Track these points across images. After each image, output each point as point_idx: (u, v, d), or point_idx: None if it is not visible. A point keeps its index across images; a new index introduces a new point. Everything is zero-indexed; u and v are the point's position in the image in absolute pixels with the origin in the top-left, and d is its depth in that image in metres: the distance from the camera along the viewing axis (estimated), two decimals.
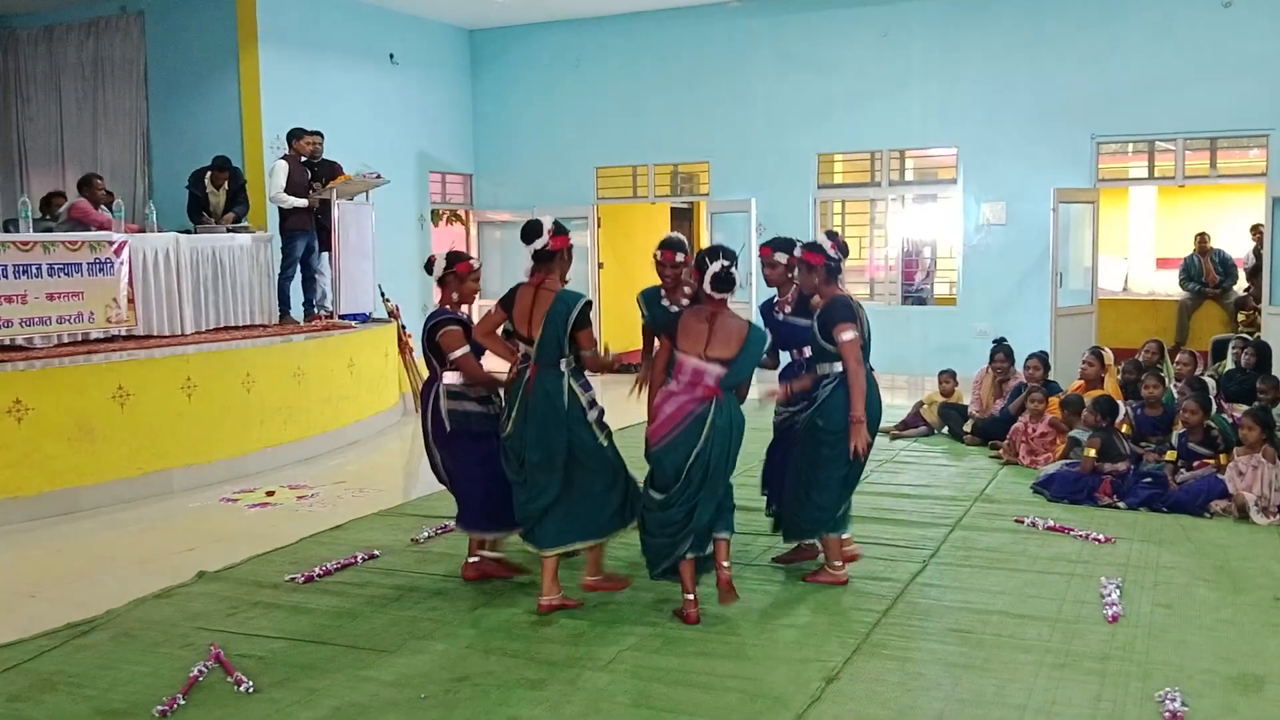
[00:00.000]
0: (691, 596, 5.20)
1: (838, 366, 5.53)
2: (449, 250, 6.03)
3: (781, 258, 5.87)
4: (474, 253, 15.72)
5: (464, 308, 6.17)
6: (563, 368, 5.20)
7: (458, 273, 5.77)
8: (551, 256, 5.25)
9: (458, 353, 5.56)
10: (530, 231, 5.25)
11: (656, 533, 5.17)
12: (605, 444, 5.31)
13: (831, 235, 5.72)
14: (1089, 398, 8.51)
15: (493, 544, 5.91)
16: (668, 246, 5.84)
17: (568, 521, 5.28)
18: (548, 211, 14.97)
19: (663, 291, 5.90)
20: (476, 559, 5.88)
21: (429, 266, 5.84)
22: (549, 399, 5.17)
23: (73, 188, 12.49)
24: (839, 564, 5.78)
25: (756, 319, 5.77)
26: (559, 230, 5.25)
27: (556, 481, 5.24)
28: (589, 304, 5.26)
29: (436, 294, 6.06)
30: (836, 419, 5.49)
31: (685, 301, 6.11)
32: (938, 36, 13.01)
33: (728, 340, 5.06)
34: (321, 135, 11.11)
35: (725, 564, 5.27)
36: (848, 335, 5.42)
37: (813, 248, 5.61)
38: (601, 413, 5.32)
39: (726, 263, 5.12)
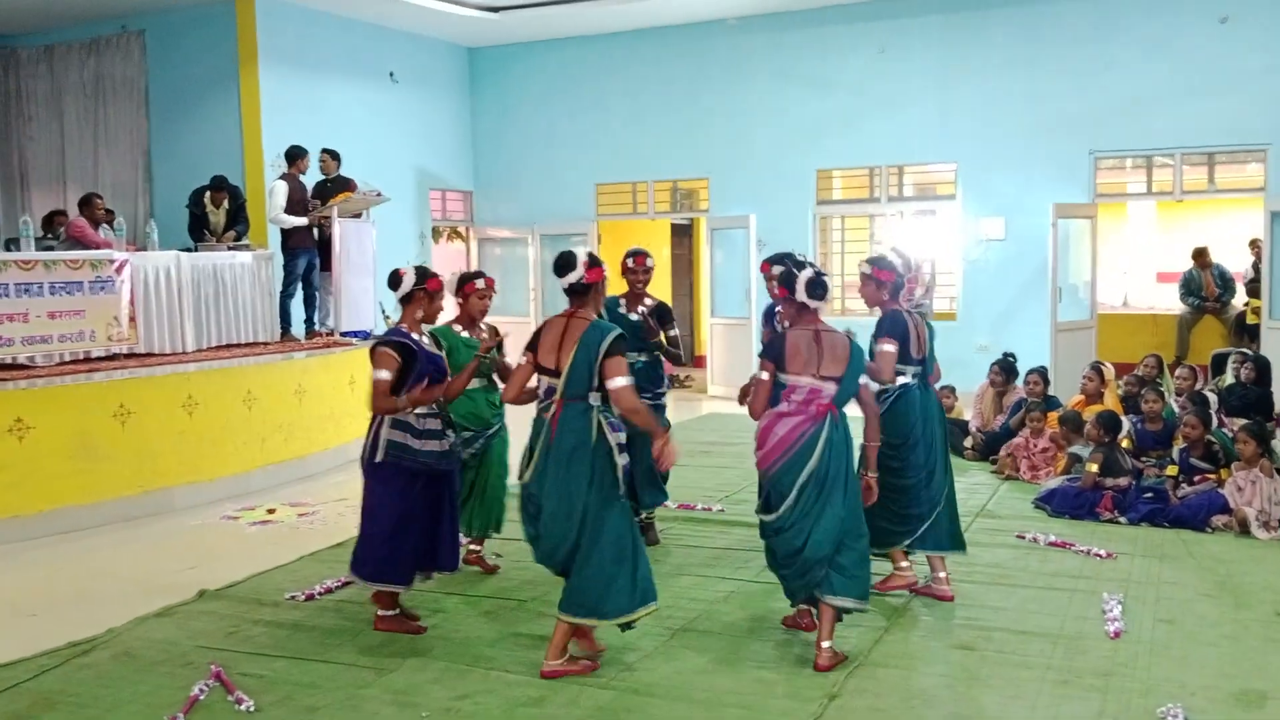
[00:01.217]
0: (826, 644, 4.87)
1: (900, 379, 5.64)
2: (417, 265, 5.69)
3: (778, 270, 5.86)
4: (474, 268, 15.74)
5: (456, 326, 6.23)
6: (591, 400, 4.72)
7: (428, 290, 5.48)
8: (587, 289, 4.87)
9: (378, 374, 5.22)
10: (564, 265, 4.88)
11: (785, 563, 4.98)
12: (623, 501, 4.81)
13: (897, 253, 6.13)
14: (1090, 413, 8.52)
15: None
16: (639, 253, 6.46)
17: (574, 593, 4.80)
18: (548, 228, 15.13)
19: (623, 300, 6.21)
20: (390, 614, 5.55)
21: (394, 282, 5.47)
22: (576, 435, 4.70)
23: (74, 206, 12.51)
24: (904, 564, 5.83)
25: (756, 327, 5.83)
26: (594, 263, 4.88)
27: (572, 538, 4.73)
28: (622, 336, 4.82)
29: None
30: (896, 430, 5.59)
31: (644, 310, 6.37)
32: (936, 53, 13.05)
33: (835, 358, 4.93)
34: (334, 154, 11.14)
35: (825, 644, 4.90)
36: (886, 348, 5.57)
37: (882, 264, 5.79)
38: (628, 464, 4.77)
39: (816, 268, 5.09)
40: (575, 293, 4.87)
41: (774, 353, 5.01)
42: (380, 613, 5.47)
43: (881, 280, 5.72)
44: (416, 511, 5.37)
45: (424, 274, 5.54)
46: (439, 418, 5.43)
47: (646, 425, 4.76)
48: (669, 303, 7.14)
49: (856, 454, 5.09)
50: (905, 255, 6.33)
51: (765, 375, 5.00)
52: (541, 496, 4.77)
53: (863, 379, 5.05)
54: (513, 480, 5.55)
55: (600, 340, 4.70)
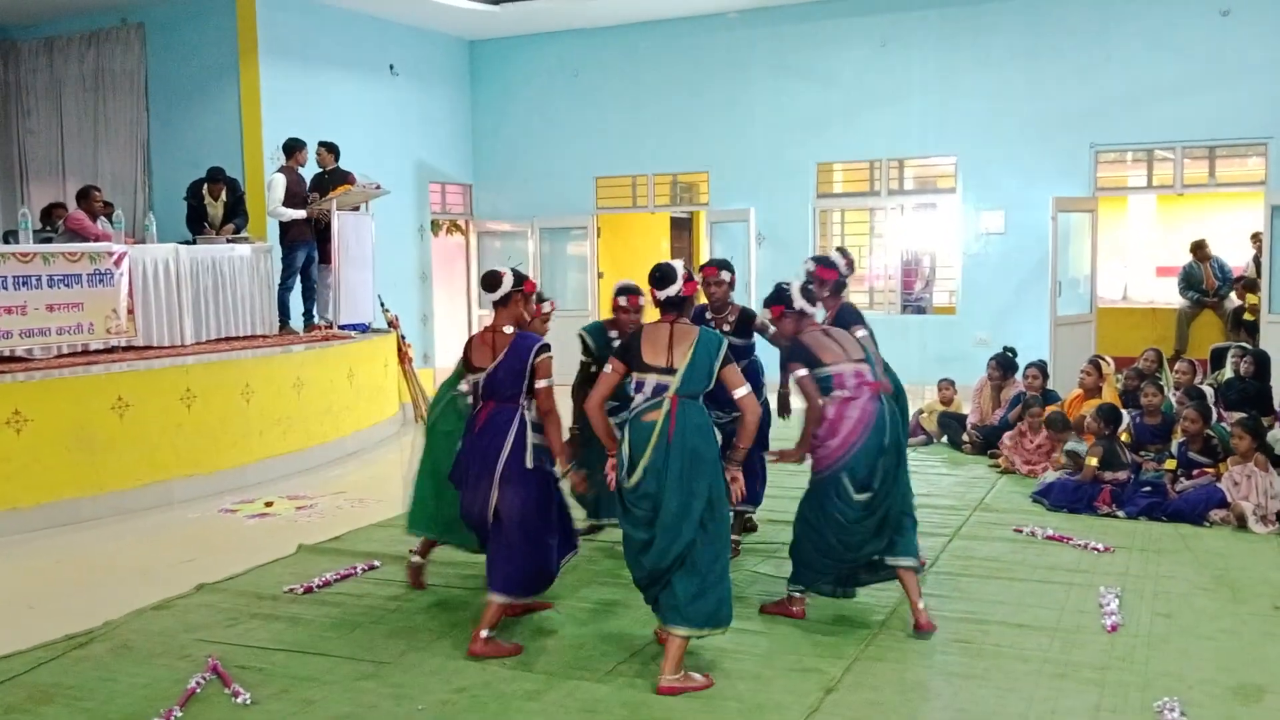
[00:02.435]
0: (922, 605, 5.19)
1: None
2: (513, 267, 5.40)
3: (726, 276, 6.38)
4: (473, 263, 15.75)
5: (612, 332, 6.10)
6: (702, 401, 4.74)
7: (525, 292, 5.26)
8: (684, 302, 4.86)
9: (543, 383, 5.02)
10: (663, 278, 4.85)
11: (862, 542, 5.18)
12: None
13: (843, 252, 6.19)
14: (1088, 407, 8.51)
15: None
16: (634, 291, 5.99)
17: (690, 603, 4.58)
18: (547, 221, 15.13)
19: (610, 330, 6.09)
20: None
21: (492, 284, 5.18)
22: (700, 432, 4.64)
23: (73, 199, 12.52)
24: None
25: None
26: (689, 277, 4.91)
27: (686, 540, 4.56)
28: (729, 344, 4.90)
29: (488, 315, 5.56)
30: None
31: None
32: (936, 46, 13.03)
33: (852, 345, 5.33)
34: (330, 146, 11.13)
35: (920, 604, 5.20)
36: (800, 373, 5.45)
37: (825, 262, 6.00)
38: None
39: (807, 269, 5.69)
40: (673, 305, 4.84)
41: (804, 355, 5.23)
42: (485, 634, 5.01)
43: (824, 279, 5.96)
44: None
45: (520, 276, 5.30)
46: None
47: (751, 436, 4.78)
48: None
49: None
50: (850, 256, 6.36)
51: (804, 372, 5.20)
52: (661, 496, 4.57)
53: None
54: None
55: (719, 344, 4.74)
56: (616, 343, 5.98)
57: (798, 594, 5.42)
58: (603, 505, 6.43)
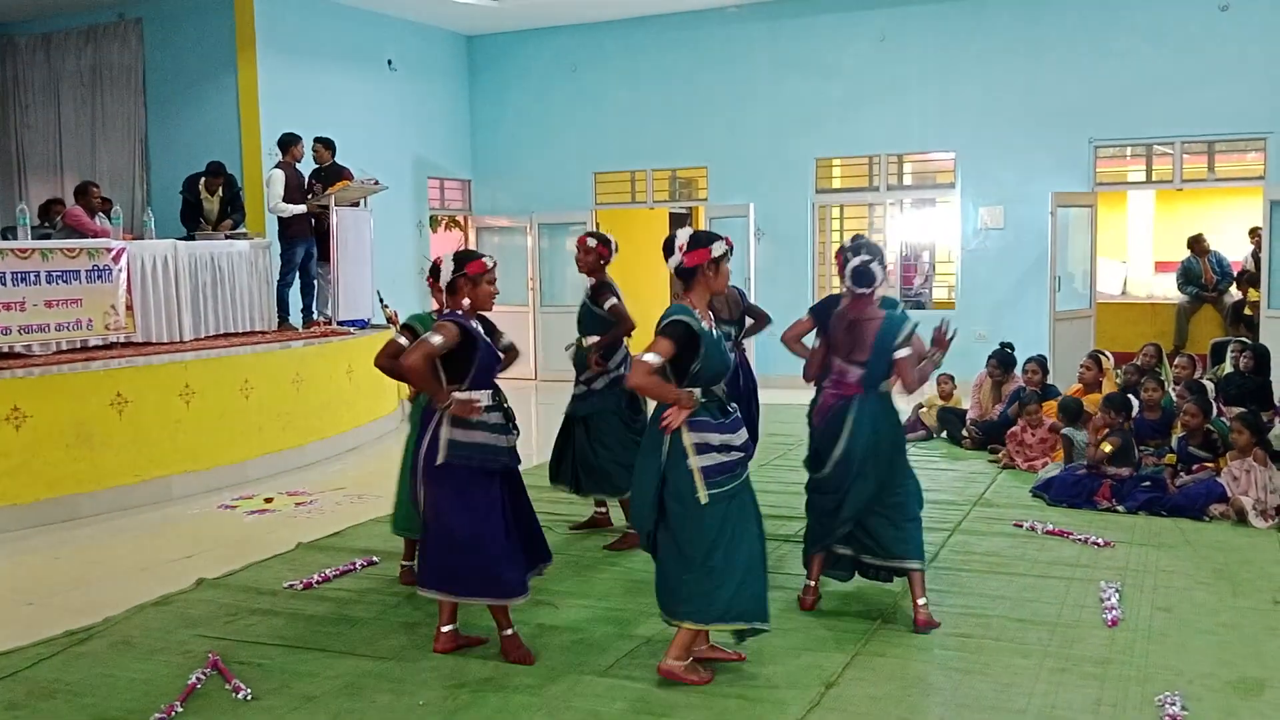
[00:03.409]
0: (923, 603, 5.26)
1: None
2: (455, 251, 5.16)
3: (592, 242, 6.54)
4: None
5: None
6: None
7: (469, 274, 4.92)
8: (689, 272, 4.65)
9: (431, 338, 4.67)
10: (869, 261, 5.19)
11: (826, 511, 5.41)
12: None
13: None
14: (1089, 402, 8.51)
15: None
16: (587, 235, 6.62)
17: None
18: (546, 217, 15.12)
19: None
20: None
21: (435, 271, 5.13)
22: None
23: (71, 195, 12.50)
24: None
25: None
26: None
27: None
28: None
29: (436, 301, 5.45)
30: None
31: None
32: (935, 41, 13.02)
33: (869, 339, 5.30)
34: (327, 142, 11.13)
35: (921, 601, 5.27)
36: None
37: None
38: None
39: (868, 257, 5.22)
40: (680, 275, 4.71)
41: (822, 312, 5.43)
42: (443, 629, 5.00)
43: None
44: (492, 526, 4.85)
45: (464, 258, 5.02)
46: (500, 411, 4.90)
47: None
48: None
49: None
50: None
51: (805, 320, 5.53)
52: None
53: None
54: None
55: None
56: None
57: (810, 583, 5.54)
58: (584, 480, 6.59)
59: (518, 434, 4.97)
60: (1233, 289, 13.00)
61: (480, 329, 4.88)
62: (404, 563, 6.09)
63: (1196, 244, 13.13)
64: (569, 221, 15.01)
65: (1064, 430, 8.18)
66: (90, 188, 10.23)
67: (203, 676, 4.67)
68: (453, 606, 4.98)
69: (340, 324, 10.95)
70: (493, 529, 4.80)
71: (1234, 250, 13.48)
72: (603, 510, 7.07)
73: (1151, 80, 12.09)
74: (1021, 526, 6.95)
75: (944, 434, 9.94)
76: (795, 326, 5.52)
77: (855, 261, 5.18)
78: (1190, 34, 11.91)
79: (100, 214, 9.93)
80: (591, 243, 6.55)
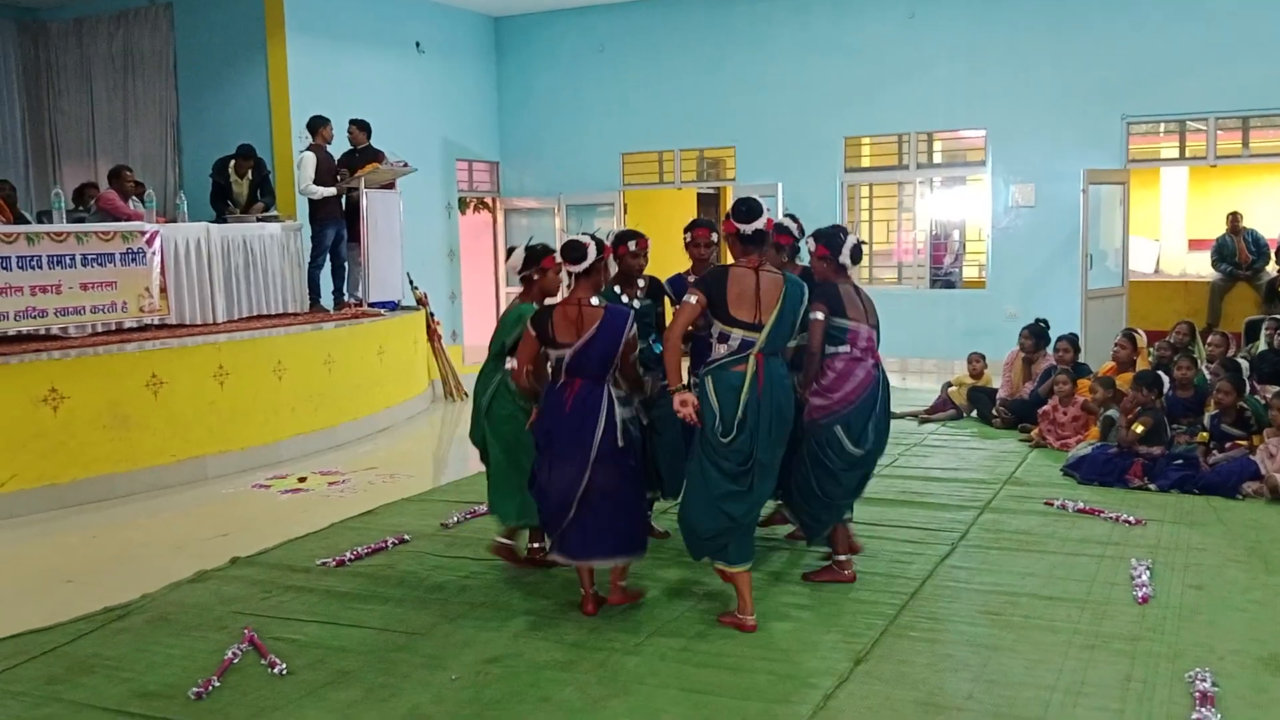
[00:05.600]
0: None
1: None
2: (532, 243, 5.61)
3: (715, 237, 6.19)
4: (500, 240, 15.78)
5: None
6: (783, 356, 4.98)
7: (544, 267, 5.50)
8: (764, 238, 4.96)
9: (634, 355, 5.14)
10: (751, 212, 4.90)
11: (838, 496, 5.45)
12: None
13: (792, 217, 6.13)
14: (1122, 380, 8.46)
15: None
16: (703, 225, 6.03)
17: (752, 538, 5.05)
18: (574, 198, 15.11)
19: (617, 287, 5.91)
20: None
21: (578, 255, 5.07)
22: (785, 386, 4.89)
23: (104, 179, 12.60)
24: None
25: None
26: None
27: (769, 487, 5.05)
28: (829, 285, 5.34)
29: (515, 291, 5.65)
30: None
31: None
32: (965, 17, 12.91)
33: (872, 311, 5.51)
34: (362, 124, 11.15)
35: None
36: (818, 315, 5.31)
37: (780, 229, 5.84)
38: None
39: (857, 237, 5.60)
40: (752, 241, 4.90)
41: (832, 300, 5.31)
42: (623, 583, 5.24)
43: (780, 244, 5.80)
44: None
45: (540, 253, 5.54)
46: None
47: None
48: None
49: None
50: (799, 220, 6.17)
51: (821, 316, 5.25)
52: (756, 451, 4.78)
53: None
54: None
55: (801, 296, 4.94)
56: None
57: (842, 558, 5.59)
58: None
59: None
60: (1269, 267, 12.85)
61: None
62: (503, 541, 5.88)
63: (1232, 222, 12.99)
64: (597, 202, 15.02)
65: (1108, 412, 8.11)
66: (124, 171, 10.30)
67: (239, 652, 4.74)
68: (625, 568, 5.23)
69: (371, 305, 11.01)
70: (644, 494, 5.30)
71: (1270, 228, 13.31)
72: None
73: (1185, 55, 11.94)
74: (1053, 505, 6.92)
75: (974, 413, 9.90)
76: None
77: (853, 240, 5.53)
78: (1223, 7, 11.75)
79: (134, 198, 10.02)
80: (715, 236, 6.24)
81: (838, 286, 5.37)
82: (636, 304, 5.72)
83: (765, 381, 4.74)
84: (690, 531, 4.96)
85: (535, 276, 5.56)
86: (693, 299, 4.79)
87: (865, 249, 5.48)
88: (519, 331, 5.34)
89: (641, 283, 5.87)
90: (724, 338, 4.78)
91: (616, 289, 5.76)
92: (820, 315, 5.21)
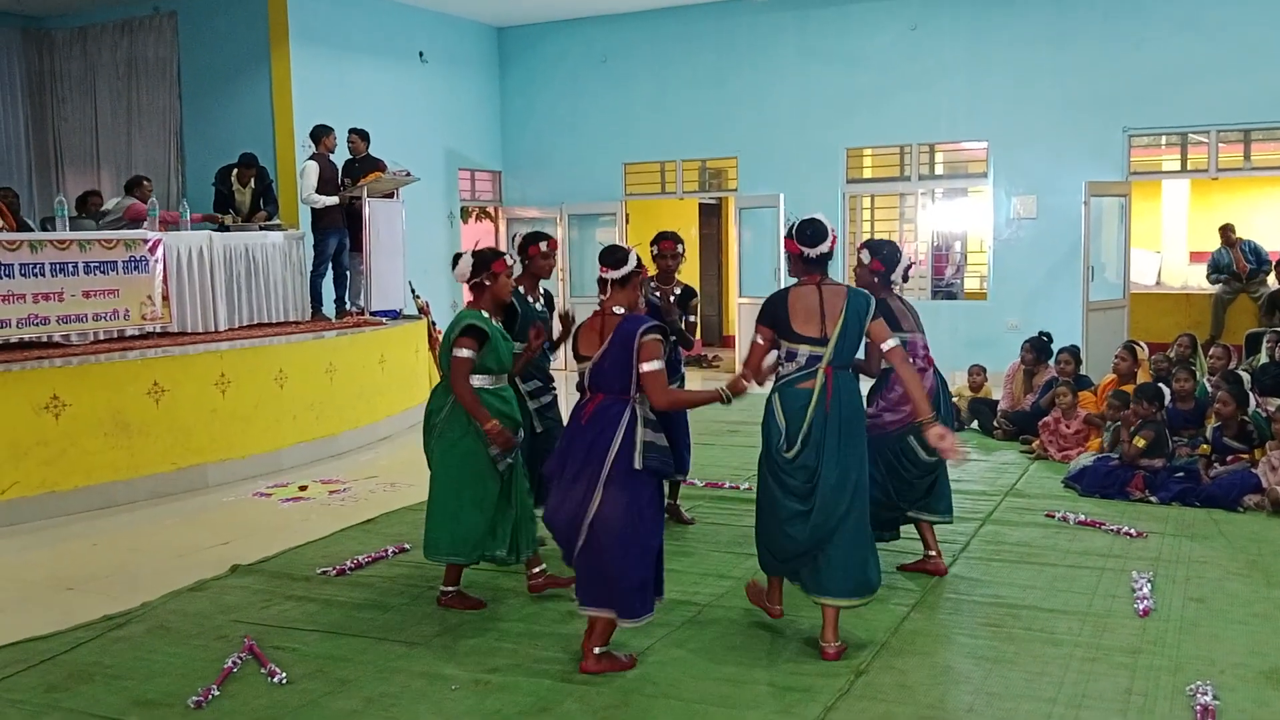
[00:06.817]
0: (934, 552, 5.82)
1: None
2: (479, 248, 5.40)
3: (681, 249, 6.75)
4: (501, 249, 15.77)
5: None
6: (851, 370, 4.76)
7: (494, 272, 5.26)
8: (828, 260, 4.77)
9: (655, 365, 4.48)
10: (816, 235, 4.72)
11: (906, 500, 5.77)
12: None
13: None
14: (1127, 390, 8.44)
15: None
16: (669, 238, 6.58)
17: (841, 571, 4.66)
18: (576, 208, 15.15)
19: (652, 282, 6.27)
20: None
21: (617, 261, 4.68)
22: (854, 402, 4.68)
23: (107, 187, 12.68)
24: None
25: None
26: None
27: (842, 510, 4.63)
28: (881, 302, 5.02)
29: (465, 296, 5.63)
30: None
31: (658, 292, 6.57)
32: (967, 29, 12.94)
33: (919, 320, 5.88)
34: (362, 133, 11.18)
35: None
36: (894, 343, 5.18)
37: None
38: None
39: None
40: (815, 264, 4.75)
41: (886, 314, 5.13)
42: (598, 650, 4.63)
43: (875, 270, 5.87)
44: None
45: (489, 257, 5.31)
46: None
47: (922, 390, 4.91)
48: (696, 283, 7.25)
49: None
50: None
51: (896, 342, 4.89)
52: (822, 467, 4.60)
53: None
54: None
55: (865, 308, 4.72)
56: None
57: (934, 553, 5.85)
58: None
59: None
60: (1270, 279, 12.84)
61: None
62: (450, 589, 5.48)
63: (1226, 234, 12.99)
64: (599, 212, 15.04)
65: (1116, 424, 8.08)
66: (143, 181, 10.40)
67: (238, 660, 4.74)
68: (611, 626, 4.60)
69: (373, 314, 11.02)
70: (656, 534, 4.60)
71: (1271, 240, 13.32)
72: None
73: (1186, 68, 11.96)
74: (1054, 517, 6.92)
75: (975, 424, 9.89)
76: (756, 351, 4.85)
77: (907, 261, 5.84)
78: (1225, 20, 11.77)
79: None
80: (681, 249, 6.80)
81: (888, 302, 5.50)
82: (539, 306, 6.03)
83: (834, 395, 4.61)
84: (764, 550, 4.91)
85: (486, 282, 5.30)
86: (759, 339, 4.73)
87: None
88: (455, 335, 5.18)
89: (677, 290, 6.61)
90: (791, 355, 4.69)
91: (521, 289, 5.95)
92: (896, 342, 4.85)
